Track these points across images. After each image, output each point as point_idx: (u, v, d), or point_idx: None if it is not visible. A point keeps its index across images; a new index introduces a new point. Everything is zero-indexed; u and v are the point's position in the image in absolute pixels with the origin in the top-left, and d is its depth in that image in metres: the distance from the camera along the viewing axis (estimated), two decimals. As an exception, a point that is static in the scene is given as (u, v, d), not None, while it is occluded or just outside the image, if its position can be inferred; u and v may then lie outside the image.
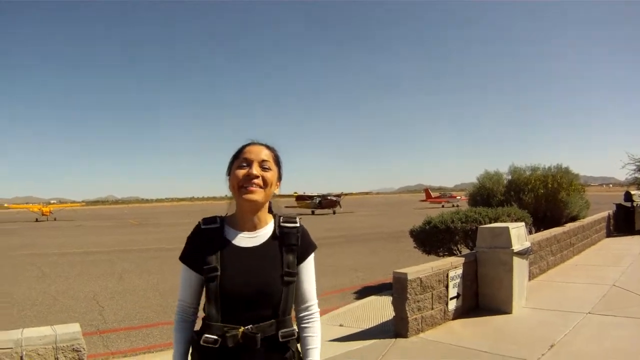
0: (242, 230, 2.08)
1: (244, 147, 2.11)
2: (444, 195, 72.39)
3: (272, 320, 1.98)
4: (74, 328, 4.07)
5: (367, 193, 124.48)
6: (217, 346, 1.93)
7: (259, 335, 1.92)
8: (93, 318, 9.14)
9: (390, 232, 25.21)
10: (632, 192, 17.36)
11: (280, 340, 1.99)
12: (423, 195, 75.98)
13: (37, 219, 56.91)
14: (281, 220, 2.13)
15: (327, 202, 55.47)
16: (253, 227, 2.08)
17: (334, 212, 54.21)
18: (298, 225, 2.13)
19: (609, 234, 16.07)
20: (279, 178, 2.15)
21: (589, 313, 6.83)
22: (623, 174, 21.07)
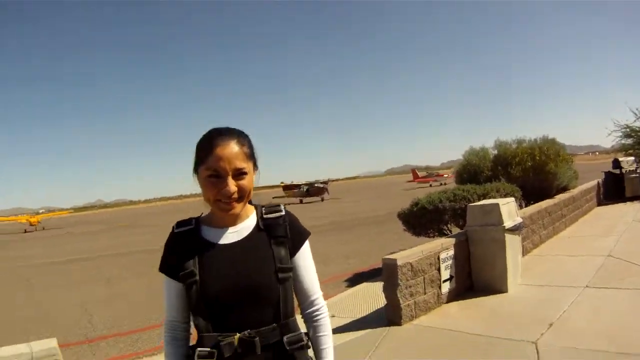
0: (222, 227, 1.83)
1: (211, 146, 1.74)
2: (431, 174, 72.27)
3: (274, 325, 1.75)
4: (51, 343, 3.92)
5: (354, 178, 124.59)
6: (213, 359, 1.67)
7: (257, 339, 1.68)
8: (82, 326, 8.99)
9: (379, 216, 25.11)
10: (620, 159, 17.33)
11: (287, 347, 1.75)
12: (410, 176, 76.03)
13: (25, 230, 56.45)
14: (264, 210, 1.89)
15: (314, 190, 55.87)
16: (234, 222, 1.83)
17: (322, 200, 54.57)
18: (283, 213, 1.89)
19: (600, 203, 16.02)
20: (256, 168, 1.87)
21: (586, 287, 6.66)
22: (609, 142, 21.12)
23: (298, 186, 58.62)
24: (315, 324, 1.92)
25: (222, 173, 1.73)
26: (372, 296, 7.98)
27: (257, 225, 1.85)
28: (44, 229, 57.07)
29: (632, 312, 5.54)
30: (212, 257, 1.76)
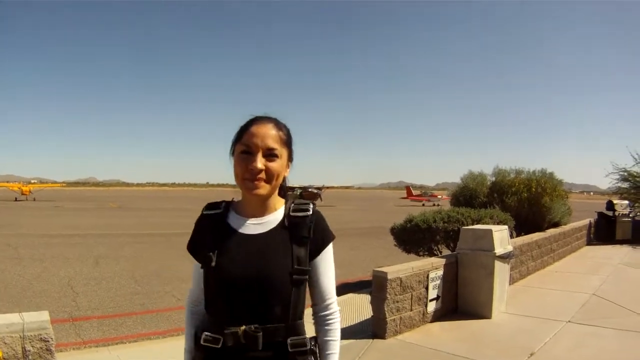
0: (247, 216, 1.86)
1: (248, 125, 1.82)
2: (425, 193, 72.40)
3: (281, 324, 1.75)
4: (43, 317, 3.91)
5: (348, 187, 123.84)
6: (218, 346, 1.72)
7: (261, 334, 1.69)
8: (66, 304, 8.93)
9: (371, 228, 25.12)
10: (615, 202, 17.42)
11: (290, 350, 1.75)
12: (404, 193, 76.07)
13: (16, 199, 56.18)
14: (291, 208, 1.89)
15: (307, 195, 55.11)
16: (260, 213, 1.85)
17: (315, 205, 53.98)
18: (310, 212, 1.89)
19: (590, 242, 16.16)
20: (290, 159, 1.91)
21: (569, 322, 6.81)
22: (605, 183, 21.24)
23: (292, 189, 57.73)
24: (326, 327, 1.91)
25: (253, 149, 1.76)
26: (357, 307, 8.07)
27: (283, 221, 1.85)
28: (34, 199, 56.74)
29: (613, 351, 5.67)
30: (232, 244, 1.79)
